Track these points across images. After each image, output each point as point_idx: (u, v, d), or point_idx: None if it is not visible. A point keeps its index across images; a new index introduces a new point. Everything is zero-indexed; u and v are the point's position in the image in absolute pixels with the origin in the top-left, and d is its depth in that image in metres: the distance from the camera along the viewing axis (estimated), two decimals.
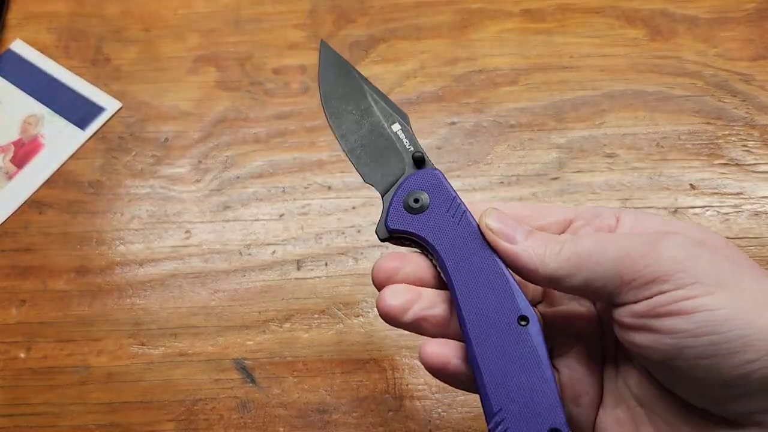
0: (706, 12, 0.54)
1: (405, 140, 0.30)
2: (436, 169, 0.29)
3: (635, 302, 0.23)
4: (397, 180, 0.29)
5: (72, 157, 0.52)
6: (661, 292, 0.22)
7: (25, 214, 0.50)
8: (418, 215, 0.28)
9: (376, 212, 0.48)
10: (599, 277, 0.24)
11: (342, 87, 0.33)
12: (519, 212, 0.28)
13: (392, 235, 0.29)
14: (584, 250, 0.24)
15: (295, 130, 0.52)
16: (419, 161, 0.30)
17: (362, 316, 0.45)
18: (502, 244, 0.26)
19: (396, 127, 0.31)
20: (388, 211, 0.29)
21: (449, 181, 0.29)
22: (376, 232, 0.29)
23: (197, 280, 0.47)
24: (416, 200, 0.28)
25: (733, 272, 0.22)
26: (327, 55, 0.34)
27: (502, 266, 0.27)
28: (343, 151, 0.31)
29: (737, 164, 0.48)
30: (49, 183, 0.51)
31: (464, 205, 0.28)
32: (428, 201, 0.28)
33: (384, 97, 0.32)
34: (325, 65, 0.34)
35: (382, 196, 0.30)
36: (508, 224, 0.26)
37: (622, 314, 0.24)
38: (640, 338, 0.23)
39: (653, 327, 0.23)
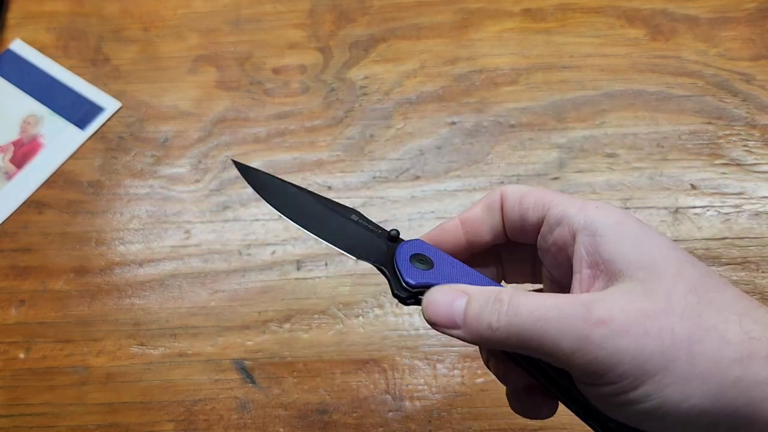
0: (707, 12, 0.54)
1: (370, 226, 0.32)
2: (417, 239, 0.31)
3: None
4: (381, 254, 0.31)
5: (71, 157, 0.52)
6: (592, 384, 0.24)
7: (24, 214, 0.50)
8: (431, 271, 0.29)
9: (375, 213, 0.48)
10: (537, 351, 0.24)
11: (288, 198, 0.34)
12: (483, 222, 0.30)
13: (412, 292, 0.29)
14: (520, 325, 0.24)
15: (294, 130, 0.52)
16: (396, 237, 0.31)
17: (362, 316, 0.45)
18: (450, 332, 0.27)
19: (354, 217, 0.32)
20: (400, 272, 0.29)
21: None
22: (395, 295, 0.29)
23: (197, 280, 0.47)
24: (421, 260, 0.30)
25: (662, 354, 0.22)
26: (247, 172, 0.35)
27: None
28: (329, 243, 0.32)
29: (738, 164, 0.48)
30: (48, 183, 0.51)
31: (455, 260, 0.30)
32: (431, 261, 0.30)
33: (324, 197, 0.34)
34: (255, 183, 0.34)
35: (378, 267, 0.30)
36: (443, 311, 0.27)
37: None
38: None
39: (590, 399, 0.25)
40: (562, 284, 0.28)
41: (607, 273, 0.24)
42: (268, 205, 0.33)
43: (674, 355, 0.22)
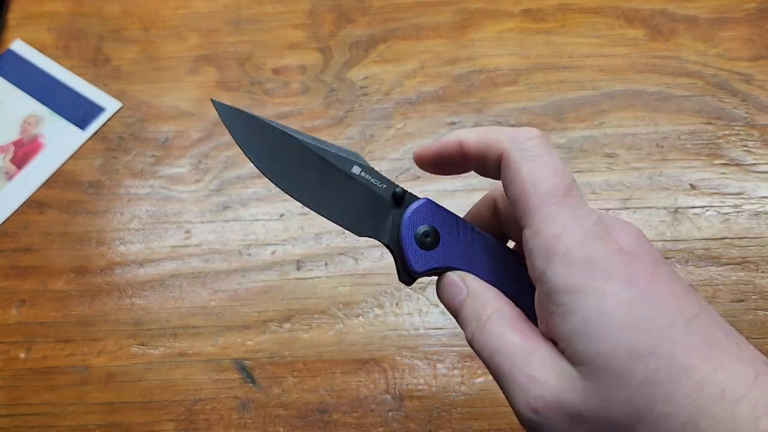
0: (706, 12, 0.54)
1: (373, 180, 0.28)
2: (424, 198, 0.28)
3: None
4: (386, 222, 0.28)
5: (72, 157, 0.52)
6: None
7: (24, 214, 0.50)
8: (436, 249, 0.28)
9: None
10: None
11: (272, 148, 0.28)
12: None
13: (417, 277, 0.28)
14: (484, 358, 0.25)
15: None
16: (400, 197, 0.28)
17: (362, 316, 0.45)
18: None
19: (356, 169, 0.28)
20: (406, 256, 0.28)
21: (442, 201, 0.29)
22: (401, 281, 0.28)
23: (197, 280, 0.47)
24: (427, 235, 0.28)
25: None
26: (229, 115, 0.29)
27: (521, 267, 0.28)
28: (320, 214, 0.28)
29: (737, 164, 0.48)
30: (49, 183, 0.51)
31: (463, 221, 0.28)
32: (438, 232, 0.28)
33: (322, 141, 0.29)
34: (236, 128, 0.29)
35: (385, 243, 0.28)
36: (447, 302, 0.27)
37: None
38: None
39: None
40: None
41: (559, 345, 0.23)
42: (254, 165, 0.28)
43: None
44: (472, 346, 0.26)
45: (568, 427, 0.22)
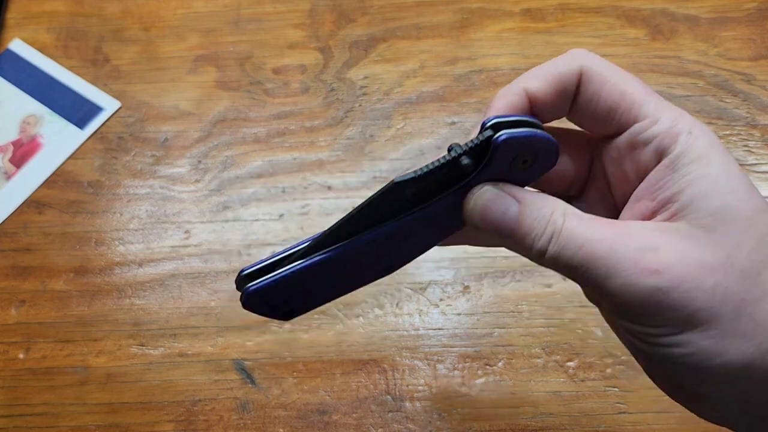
0: (707, 12, 0.54)
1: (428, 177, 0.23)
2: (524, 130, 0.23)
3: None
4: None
5: (71, 157, 0.52)
6: (628, 320, 0.24)
7: (24, 214, 0.50)
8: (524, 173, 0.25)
9: None
10: (582, 283, 0.24)
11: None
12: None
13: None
14: (568, 259, 0.23)
15: (295, 130, 0.52)
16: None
17: (362, 316, 0.45)
18: (495, 239, 0.25)
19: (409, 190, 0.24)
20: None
21: None
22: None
23: (197, 280, 0.47)
24: (524, 160, 0.24)
25: (710, 309, 0.22)
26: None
27: None
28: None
29: (738, 164, 0.48)
30: (48, 183, 0.51)
31: None
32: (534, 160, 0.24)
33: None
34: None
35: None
36: (491, 219, 0.24)
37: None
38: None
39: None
40: (611, 188, 0.27)
41: (673, 212, 0.23)
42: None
43: (722, 311, 0.21)
44: (544, 258, 0.23)
45: (694, 282, 0.21)
